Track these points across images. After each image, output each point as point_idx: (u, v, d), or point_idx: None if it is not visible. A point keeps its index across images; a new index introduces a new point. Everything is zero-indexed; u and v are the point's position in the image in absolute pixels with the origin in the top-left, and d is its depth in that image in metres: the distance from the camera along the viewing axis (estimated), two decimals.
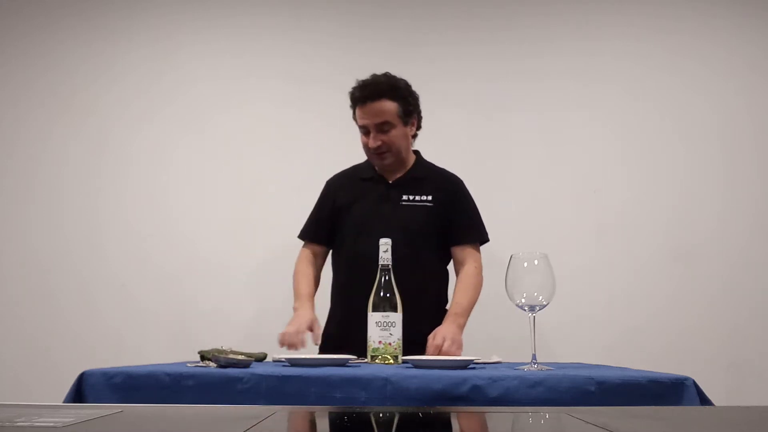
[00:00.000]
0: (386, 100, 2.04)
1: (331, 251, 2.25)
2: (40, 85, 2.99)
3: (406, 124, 2.10)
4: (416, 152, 2.23)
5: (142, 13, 3.02)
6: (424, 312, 2.02)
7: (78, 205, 2.90)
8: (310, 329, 1.93)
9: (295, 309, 2.03)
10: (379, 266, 1.76)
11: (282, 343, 1.89)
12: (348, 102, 2.12)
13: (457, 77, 2.90)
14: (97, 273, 2.85)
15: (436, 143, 2.79)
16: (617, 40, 2.91)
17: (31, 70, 3.00)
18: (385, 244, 1.78)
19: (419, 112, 2.15)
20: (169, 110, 2.95)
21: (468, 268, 2.11)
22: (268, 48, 2.99)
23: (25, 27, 3.01)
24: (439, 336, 1.87)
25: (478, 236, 2.17)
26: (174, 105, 2.95)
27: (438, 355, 1.82)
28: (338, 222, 2.17)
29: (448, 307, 2.14)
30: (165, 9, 3.03)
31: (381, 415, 0.99)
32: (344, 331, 2.04)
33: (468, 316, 2.05)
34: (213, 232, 2.86)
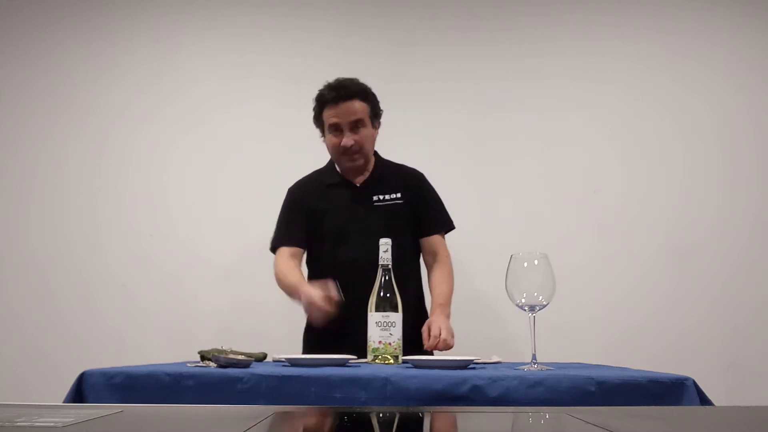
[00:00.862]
0: (358, 100, 2.07)
1: (305, 261, 2.21)
2: (40, 85, 2.99)
3: (373, 125, 2.14)
4: (375, 152, 2.25)
5: (142, 13, 3.02)
6: (409, 309, 2.04)
7: (78, 205, 2.90)
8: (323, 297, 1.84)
9: (295, 288, 1.93)
10: (379, 266, 1.77)
11: (311, 309, 1.83)
12: None
13: (457, 77, 2.90)
14: (97, 273, 2.84)
15: (435, 143, 2.80)
16: (617, 40, 2.91)
17: (31, 70, 3.00)
18: (385, 244, 1.78)
19: (381, 113, 2.18)
20: (169, 110, 2.95)
21: (441, 258, 2.18)
22: (268, 48, 2.98)
23: (25, 27, 3.01)
24: (435, 327, 1.90)
25: (446, 225, 2.23)
26: (174, 105, 2.95)
27: (437, 345, 1.87)
28: (312, 229, 2.15)
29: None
30: (165, 9, 3.03)
31: (381, 415, 0.99)
32: (333, 339, 1.96)
33: (450, 304, 2.10)
34: (213, 231, 2.86)
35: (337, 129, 2.08)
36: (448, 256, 2.20)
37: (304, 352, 2.14)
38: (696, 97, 2.86)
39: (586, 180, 2.84)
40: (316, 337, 2.13)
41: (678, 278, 2.74)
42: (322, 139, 2.19)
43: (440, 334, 1.88)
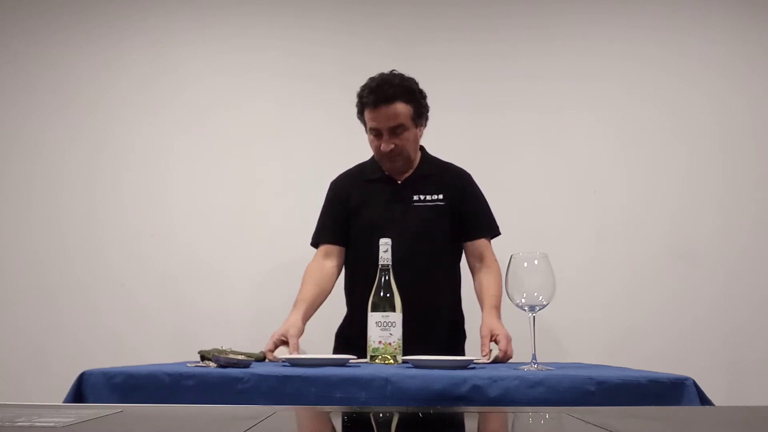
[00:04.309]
0: (400, 103, 1.98)
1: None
2: (40, 84, 2.99)
3: (417, 125, 2.07)
4: (421, 147, 2.20)
5: (143, 12, 3.02)
6: (443, 310, 2.07)
7: (78, 205, 2.90)
8: (284, 338, 1.84)
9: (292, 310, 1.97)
10: (379, 266, 1.76)
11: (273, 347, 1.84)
12: (353, 101, 2.07)
13: (457, 77, 2.90)
14: (97, 273, 2.84)
15: (435, 143, 2.78)
16: (617, 40, 2.91)
17: (30, 70, 2.99)
18: (385, 244, 1.78)
19: (428, 111, 2.10)
20: (169, 110, 2.95)
21: (490, 261, 2.10)
22: (268, 48, 2.98)
23: (25, 27, 3.01)
24: (503, 339, 1.84)
25: (492, 230, 2.16)
26: (174, 105, 2.95)
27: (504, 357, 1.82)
28: (350, 224, 2.11)
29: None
30: (166, 9, 3.02)
31: (381, 415, 0.99)
32: (364, 340, 1.90)
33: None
34: (213, 231, 2.86)
35: (377, 132, 2.01)
36: (495, 260, 2.09)
37: (335, 352, 2.12)
38: (696, 97, 2.86)
39: (586, 180, 2.84)
40: (348, 337, 2.12)
41: (678, 278, 2.74)
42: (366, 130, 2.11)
43: (507, 344, 1.83)
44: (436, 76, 2.88)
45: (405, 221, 2.05)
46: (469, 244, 2.13)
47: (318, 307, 2.04)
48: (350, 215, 2.11)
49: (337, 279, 2.14)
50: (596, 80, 2.89)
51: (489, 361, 1.81)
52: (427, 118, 2.11)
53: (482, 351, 1.85)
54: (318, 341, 2.18)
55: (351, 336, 2.09)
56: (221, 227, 2.86)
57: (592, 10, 2.93)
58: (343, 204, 2.13)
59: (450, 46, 2.93)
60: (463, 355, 2.15)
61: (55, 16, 3.02)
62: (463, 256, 2.18)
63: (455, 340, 2.15)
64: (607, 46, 2.91)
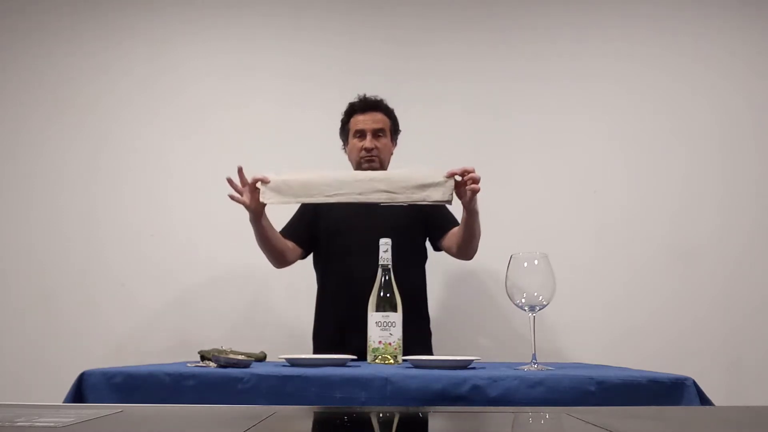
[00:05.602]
0: (383, 113, 2.31)
1: (314, 265, 2.34)
2: (40, 84, 2.98)
3: (392, 140, 2.33)
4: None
5: (143, 12, 3.02)
6: (409, 305, 2.08)
7: (78, 205, 2.90)
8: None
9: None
10: (379, 266, 1.77)
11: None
12: (343, 110, 2.31)
13: (458, 78, 2.90)
14: (97, 273, 2.84)
15: (436, 143, 2.80)
16: (617, 40, 2.91)
17: (31, 70, 2.99)
18: (385, 244, 1.78)
19: (399, 134, 2.36)
20: (168, 109, 2.95)
21: None
22: (268, 48, 2.98)
23: (25, 27, 3.01)
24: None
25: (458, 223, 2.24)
26: (173, 104, 2.95)
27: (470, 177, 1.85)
28: (316, 228, 2.27)
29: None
30: (166, 9, 3.02)
31: (381, 415, 0.99)
32: (339, 334, 2.14)
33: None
34: (213, 231, 2.85)
35: (361, 134, 2.27)
36: None
37: (314, 353, 2.22)
38: (696, 97, 2.86)
39: (586, 180, 2.84)
40: (321, 338, 2.24)
41: (678, 278, 2.74)
42: (344, 149, 2.35)
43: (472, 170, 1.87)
44: (436, 76, 2.89)
45: (371, 218, 2.16)
46: (447, 236, 2.22)
47: (276, 238, 2.17)
48: (317, 218, 2.29)
49: (288, 264, 2.27)
50: (596, 80, 2.89)
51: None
52: (396, 143, 2.36)
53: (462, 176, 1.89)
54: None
55: (322, 338, 2.23)
56: (221, 227, 2.85)
57: (592, 11, 2.93)
58: (312, 211, 2.28)
59: (450, 46, 2.93)
60: (431, 353, 2.19)
61: (55, 17, 3.02)
62: (434, 260, 2.32)
63: (421, 339, 2.22)
64: (607, 46, 2.91)
